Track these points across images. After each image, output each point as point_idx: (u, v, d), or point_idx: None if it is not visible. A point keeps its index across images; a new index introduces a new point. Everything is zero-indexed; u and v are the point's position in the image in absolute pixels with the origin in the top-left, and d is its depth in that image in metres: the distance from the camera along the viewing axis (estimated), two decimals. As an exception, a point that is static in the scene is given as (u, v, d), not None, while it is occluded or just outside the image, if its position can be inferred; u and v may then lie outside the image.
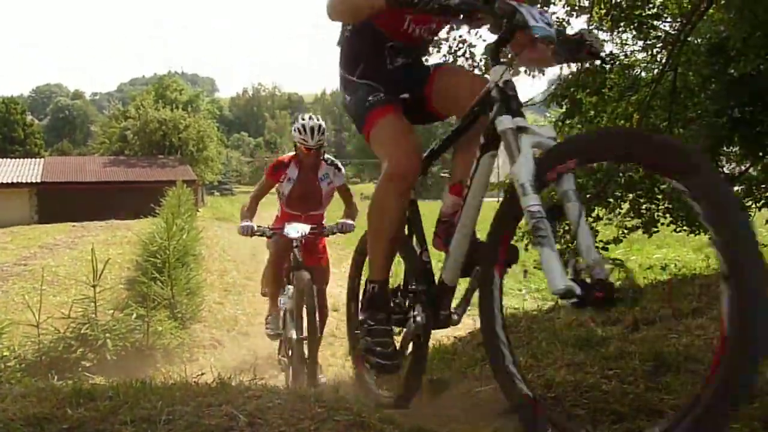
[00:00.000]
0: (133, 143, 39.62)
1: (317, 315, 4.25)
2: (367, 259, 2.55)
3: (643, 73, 7.89)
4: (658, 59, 7.64)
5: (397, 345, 2.17)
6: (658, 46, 7.62)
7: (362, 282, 2.64)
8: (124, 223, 22.38)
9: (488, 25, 1.79)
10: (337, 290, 6.62)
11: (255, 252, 15.76)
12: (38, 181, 30.22)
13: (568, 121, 7.69)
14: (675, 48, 6.80)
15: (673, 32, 7.40)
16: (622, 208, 7.78)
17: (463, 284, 2.10)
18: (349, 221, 4.66)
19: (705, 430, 1.14)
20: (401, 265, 2.51)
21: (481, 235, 2.00)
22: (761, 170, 6.89)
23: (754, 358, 1.10)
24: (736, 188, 7.19)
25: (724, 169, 7.17)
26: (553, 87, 7.89)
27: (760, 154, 6.60)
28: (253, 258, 15.08)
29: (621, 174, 7.31)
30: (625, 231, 7.88)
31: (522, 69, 7.83)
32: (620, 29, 7.54)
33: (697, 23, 6.75)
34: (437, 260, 2.15)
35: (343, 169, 4.96)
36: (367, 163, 61.89)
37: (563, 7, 7.66)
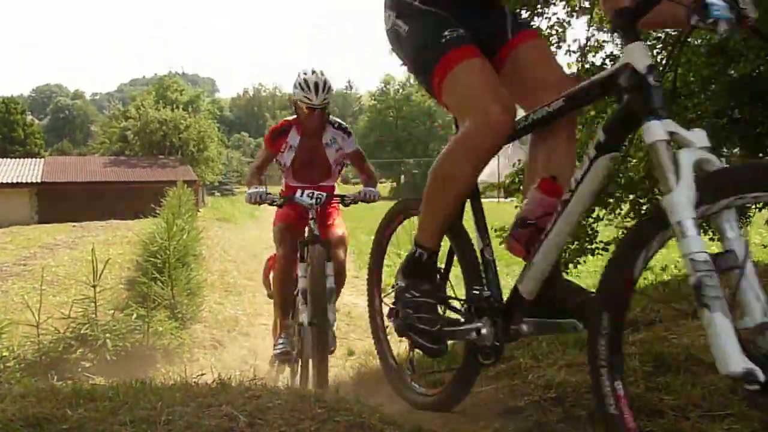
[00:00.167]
0: (133, 143, 39.61)
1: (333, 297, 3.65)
2: (391, 240, 2.38)
3: (644, 74, 7.88)
4: (658, 60, 7.64)
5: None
6: (658, 47, 7.62)
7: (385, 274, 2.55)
8: (124, 223, 22.39)
9: None
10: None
11: (255, 252, 15.78)
12: (38, 181, 30.22)
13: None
14: (675, 49, 6.81)
15: (672, 33, 7.40)
16: (622, 209, 7.78)
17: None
18: (372, 189, 3.98)
19: None
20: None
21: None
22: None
23: None
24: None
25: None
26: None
27: (761, 154, 6.60)
28: (254, 258, 15.09)
29: (621, 174, 7.32)
30: (626, 231, 7.87)
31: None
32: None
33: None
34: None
35: (352, 134, 4.23)
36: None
37: (564, 8, 7.67)
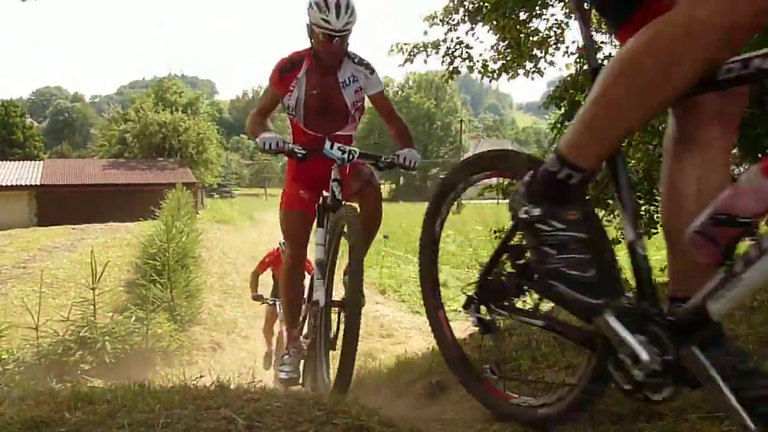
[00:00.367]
0: (132, 146, 39.65)
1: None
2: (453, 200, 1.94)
3: (642, 75, 7.90)
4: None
5: None
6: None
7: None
8: (123, 225, 22.39)
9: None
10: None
11: (255, 254, 15.77)
12: (37, 183, 30.23)
13: (567, 123, 7.71)
14: (674, 50, 6.82)
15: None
16: (621, 210, 7.78)
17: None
18: (413, 150, 3.10)
19: None
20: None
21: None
22: (760, 172, 6.90)
23: None
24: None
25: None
26: (552, 89, 7.90)
27: (759, 155, 6.60)
28: (253, 260, 15.08)
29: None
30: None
31: (521, 71, 7.87)
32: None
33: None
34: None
35: (376, 72, 3.30)
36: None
37: (562, 9, 7.69)
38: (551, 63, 7.86)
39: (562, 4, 7.64)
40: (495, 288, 1.70)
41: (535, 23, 7.56)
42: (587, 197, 1.48)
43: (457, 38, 7.77)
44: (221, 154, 46.43)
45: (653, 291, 1.32)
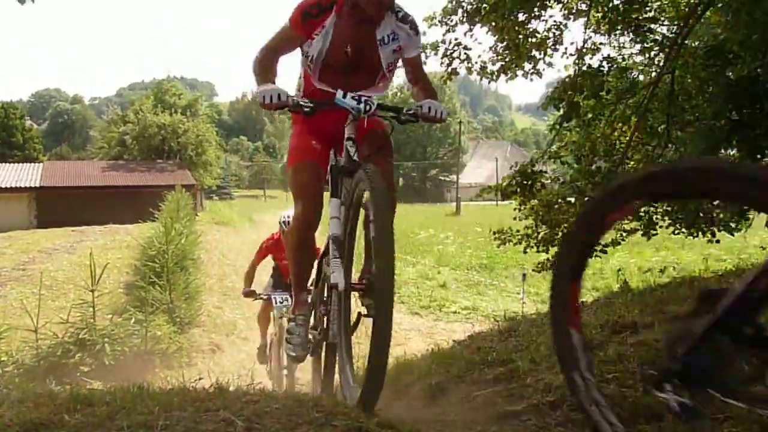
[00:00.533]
0: (132, 148, 39.63)
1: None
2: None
3: (641, 76, 7.92)
4: (656, 62, 7.67)
5: None
6: (655, 49, 7.65)
7: None
8: (122, 227, 22.37)
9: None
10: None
11: (254, 255, 15.77)
12: (37, 185, 30.21)
13: (565, 124, 7.71)
14: (672, 51, 6.83)
15: (670, 35, 7.43)
16: (620, 211, 7.77)
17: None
18: (437, 102, 2.62)
19: None
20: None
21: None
22: (759, 173, 6.90)
23: None
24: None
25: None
26: (550, 90, 7.91)
27: (759, 156, 6.61)
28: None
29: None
30: (624, 234, 7.88)
31: (519, 72, 7.87)
32: (617, 32, 7.58)
33: (694, 26, 6.78)
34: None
35: (420, 32, 2.79)
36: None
37: (561, 10, 7.70)
38: (550, 64, 7.87)
39: (560, 5, 7.66)
40: (710, 362, 1.24)
41: (533, 24, 7.58)
42: None
43: (456, 39, 7.78)
44: (220, 156, 46.41)
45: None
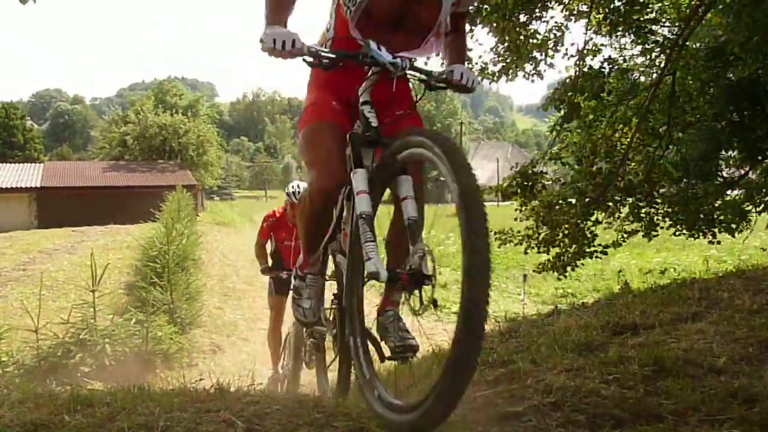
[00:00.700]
0: (132, 148, 39.65)
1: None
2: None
3: (642, 78, 7.92)
4: (657, 64, 7.66)
5: None
6: (656, 50, 7.64)
7: None
8: (123, 227, 22.38)
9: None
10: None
11: (254, 256, 15.76)
12: (38, 186, 30.24)
13: (566, 125, 7.72)
14: (673, 52, 6.83)
15: (671, 37, 7.42)
16: (621, 212, 7.78)
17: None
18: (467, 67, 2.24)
19: None
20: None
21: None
22: (760, 174, 6.90)
23: None
24: (735, 193, 7.21)
25: (724, 173, 7.19)
26: (551, 91, 7.91)
27: (759, 157, 6.61)
28: (253, 263, 15.06)
29: (621, 178, 7.33)
30: (625, 235, 7.88)
31: (520, 73, 7.87)
32: (618, 34, 7.58)
33: (695, 28, 6.78)
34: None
35: None
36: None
37: (562, 11, 7.70)
38: (551, 65, 7.87)
39: (561, 6, 7.66)
40: None
41: (534, 25, 7.58)
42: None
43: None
44: (221, 157, 46.42)
45: None
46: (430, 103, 70.08)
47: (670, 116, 6.96)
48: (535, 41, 7.61)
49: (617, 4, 7.24)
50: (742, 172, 7.16)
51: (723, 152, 6.91)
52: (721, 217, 6.89)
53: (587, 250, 7.55)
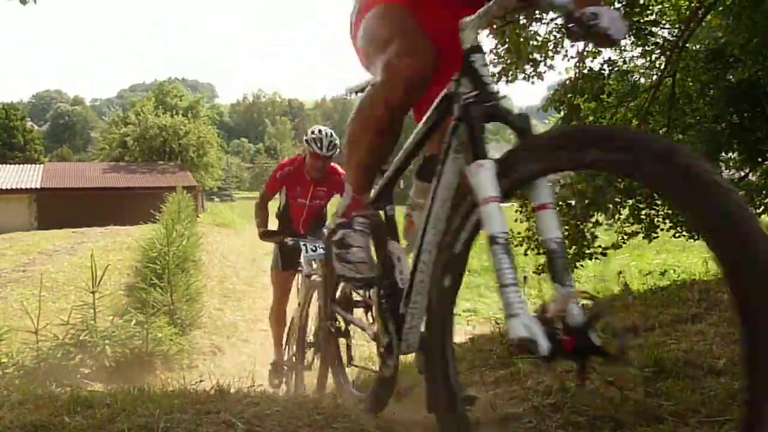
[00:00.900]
0: (133, 149, 39.68)
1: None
2: None
3: (642, 79, 7.94)
4: (657, 65, 7.67)
5: None
6: (656, 52, 7.66)
7: None
8: (123, 229, 22.37)
9: None
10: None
11: (255, 258, 15.77)
12: (38, 187, 30.26)
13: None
14: (673, 54, 6.84)
15: (671, 38, 7.43)
16: (621, 214, 7.79)
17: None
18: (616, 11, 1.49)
19: None
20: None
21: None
22: (760, 176, 6.91)
23: None
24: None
25: (724, 175, 7.20)
26: (551, 92, 7.92)
27: (759, 159, 6.61)
28: (253, 264, 15.09)
29: (620, 179, 7.33)
30: (625, 236, 7.89)
31: (520, 75, 7.88)
32: (619, 35, 7.58)
33: (695, 29, 6.79)
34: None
35: None
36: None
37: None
38: (551, 67, 7.88)
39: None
40: None
41: (534, 27, 7.59)
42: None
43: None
44: (221, 158, 46.46)
45: None
46: (430, 104, 69.96)
47: (670, 118, 6.97)
48: (535, 43, 7.62)
49: (617, 5, 7.25)
50: (742, 173, 7.17)
51: (723, 154, 6.92)
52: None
53: (587, 251, 7.56)
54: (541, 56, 7.77)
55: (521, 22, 7.42)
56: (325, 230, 2.04)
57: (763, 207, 6.92)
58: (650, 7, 7.51)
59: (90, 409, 1.67)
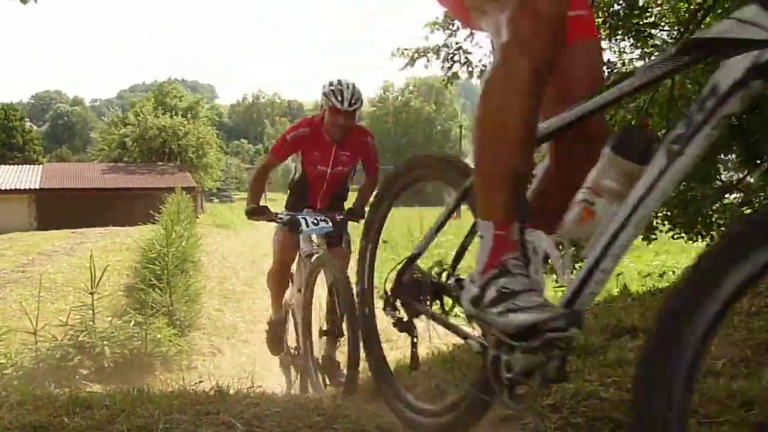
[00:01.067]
0: (132, 150, 39.67)
1: None
2: None
3: (641, 81, 7.93)
4: (656, 67, 7.68)
5: None
6: (656, 54, 7.66)
7: None
8: (123, 229, 22.35)
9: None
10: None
11: (254, 259, 15.77)
12: (37, 187, 30.25)
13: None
14: (673, 56, 6.84)
15: (670, 40, 7.44)
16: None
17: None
18: None
19: None
20: None
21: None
22: (759, 178, 6.92)
23: None
24: (734, 196, 7.22)
25: (722, 176, 7.20)
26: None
27: (758, 161, 6.62)
28: (253, 265, 15.08)
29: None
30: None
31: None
32: (618, 37, 7.59)
33: (694, 32, 6.79)
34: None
35: None
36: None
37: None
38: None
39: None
40: None
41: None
42: None
43: (457, 44, 7.82)
44: (221, 159, 46.45)
45: None
46: (430, 106, 70.11)
47: (669, 120, 6.97)
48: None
49: (617, 7, 7.26)
50: (741, 175, 7.18)
51: (722, 156, 6.93)
52: (720, 221, 6.91)
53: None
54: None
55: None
56: (465, 302, 1.33)
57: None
58: (650, 10, 7.52)
59: (89, 409, 1.67)
